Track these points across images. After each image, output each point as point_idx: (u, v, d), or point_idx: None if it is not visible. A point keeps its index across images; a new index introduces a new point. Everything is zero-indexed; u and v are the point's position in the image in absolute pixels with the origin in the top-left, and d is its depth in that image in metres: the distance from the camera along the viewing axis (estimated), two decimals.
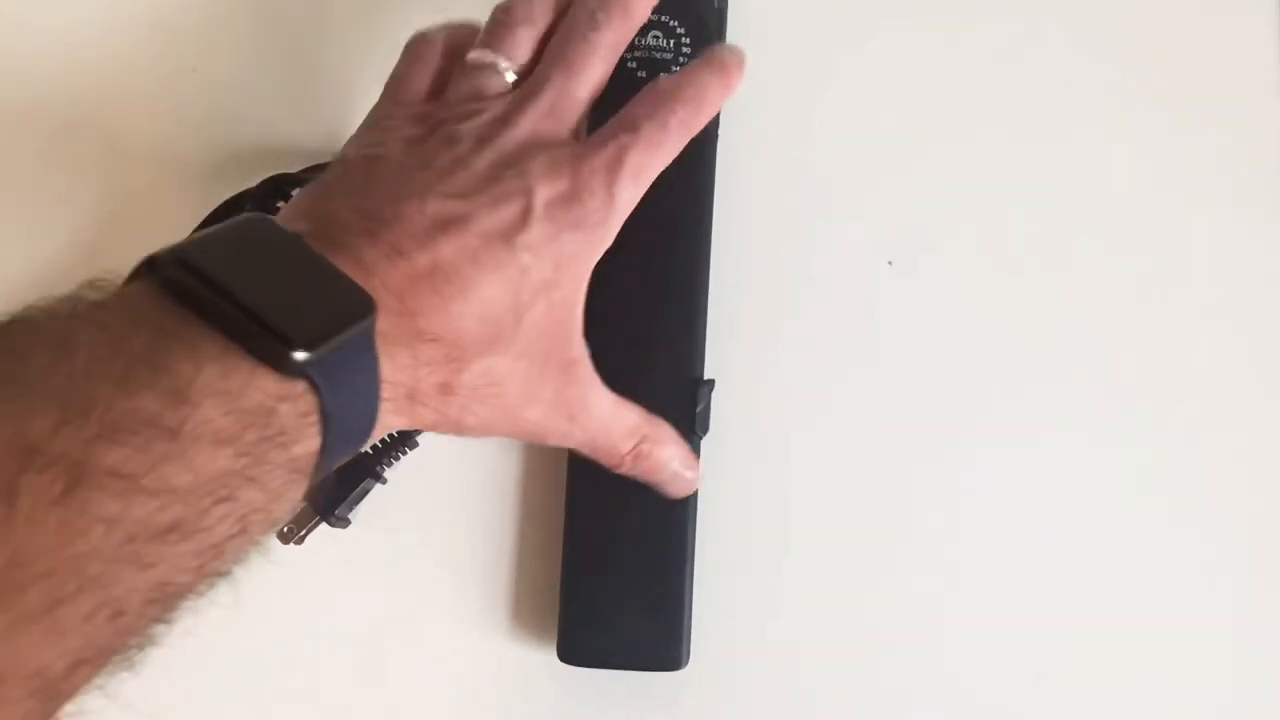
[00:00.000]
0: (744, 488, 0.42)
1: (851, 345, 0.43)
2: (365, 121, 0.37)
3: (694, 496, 0.41)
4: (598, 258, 0.35)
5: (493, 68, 0.36)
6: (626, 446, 0.37)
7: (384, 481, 0.42)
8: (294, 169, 0.43)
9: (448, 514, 0.43)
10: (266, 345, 0.26)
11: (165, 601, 0.26)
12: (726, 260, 0.42)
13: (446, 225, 0.32)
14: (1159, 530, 0.42)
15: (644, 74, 0.41)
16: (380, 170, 0.34)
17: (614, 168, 0.34)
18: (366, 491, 0.42)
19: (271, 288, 0.27)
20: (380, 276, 0.30)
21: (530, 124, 0.35)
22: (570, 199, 0.34)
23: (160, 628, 0.26)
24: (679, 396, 0.40)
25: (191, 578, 0.26)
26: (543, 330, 0.34)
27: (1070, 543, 0.42)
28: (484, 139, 0.34)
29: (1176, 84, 0.44)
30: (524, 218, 0.33)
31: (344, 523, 0.42)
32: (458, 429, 0.34)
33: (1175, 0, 0.44)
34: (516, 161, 0.34)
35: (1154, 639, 0.41)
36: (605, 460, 0.37)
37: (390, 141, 0.35)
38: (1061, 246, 0.43)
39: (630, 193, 0.35)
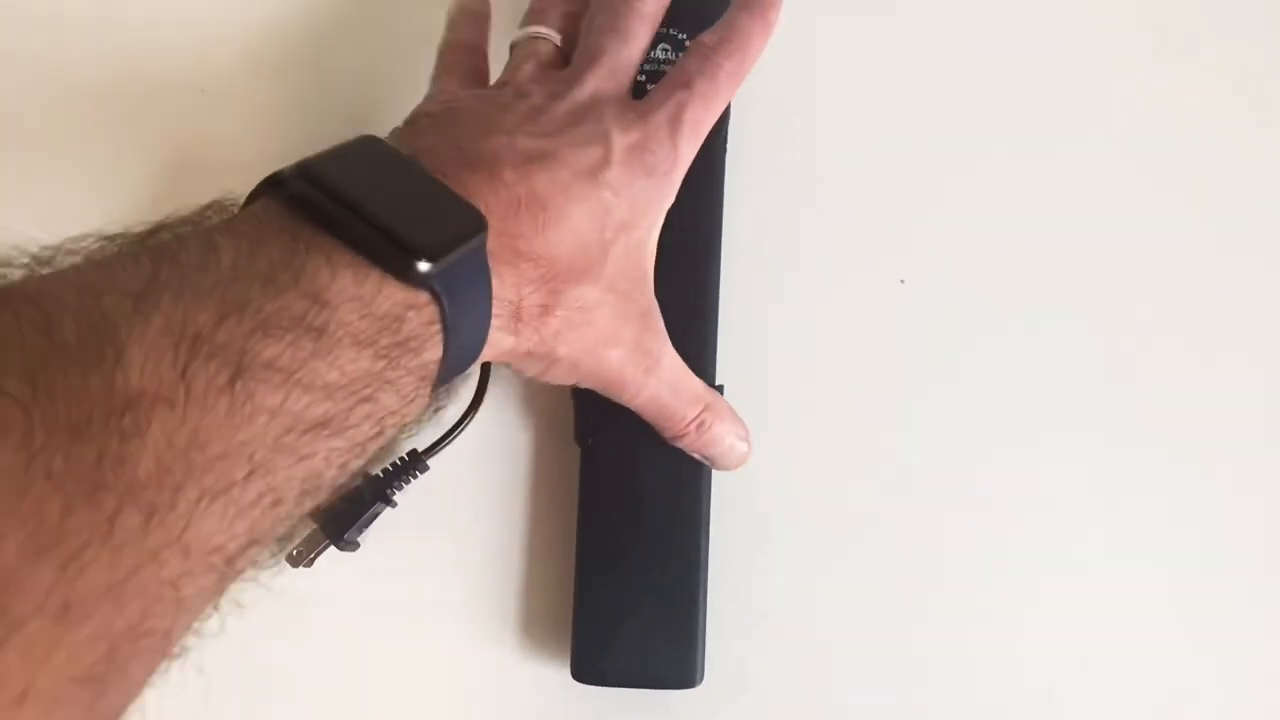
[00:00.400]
0: (757, 505, 0.42)
1: (864, 363, 0.43)
2: (426, 97, 0.38)
3: (707, 513, 0.41)
4: (666, 208, 0.37)
5: (543, 38, 0.39)
6: (692, 413, 0.38)
7: (394, 505, 0.42)
8: None
9: (458, 533, 0.43)
10: (394, 256, 0.28)
11: (314, 494, 0.27)
12: (738, 278, 0.42)
13: (538, 159, 0.34)
14: (1171, 541, 0.42)
15: (652, 87, 0.39)
16: (464, 115, 0.35)
17: (675, 123, 0.36)
18: (376, 515, 0.42)
19: (393, 202, 0.29)
20: (483, 200, 0.31)
21: (594, 83, 0.37)
22: (641, 148, 0.36)
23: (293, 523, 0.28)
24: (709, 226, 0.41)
25: (336, 473, 0.27)
26: (623, 268, 0.36)
27: (1098, 558, 0.42)
28: (555, 94, 0.36)
29: (1201, 96, 0.43)
30: (605, 159, 0.35)
31: (353, 546, 0.42)
32: (550, 358, 0.35)
33: (1196, 15, 0.44)
34: (590, 110, 0.36)
35: (1167, 646, 0.42)
36: (668, 426, 0.38)
37: (462, 96, 0.37)
38: (1076, 263, 0.43)
39: (690, 145, 0.37)
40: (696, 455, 0.40)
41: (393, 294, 0.28)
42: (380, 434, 0.28)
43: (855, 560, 0.42)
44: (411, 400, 0.29)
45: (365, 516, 0.41)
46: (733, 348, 0.42)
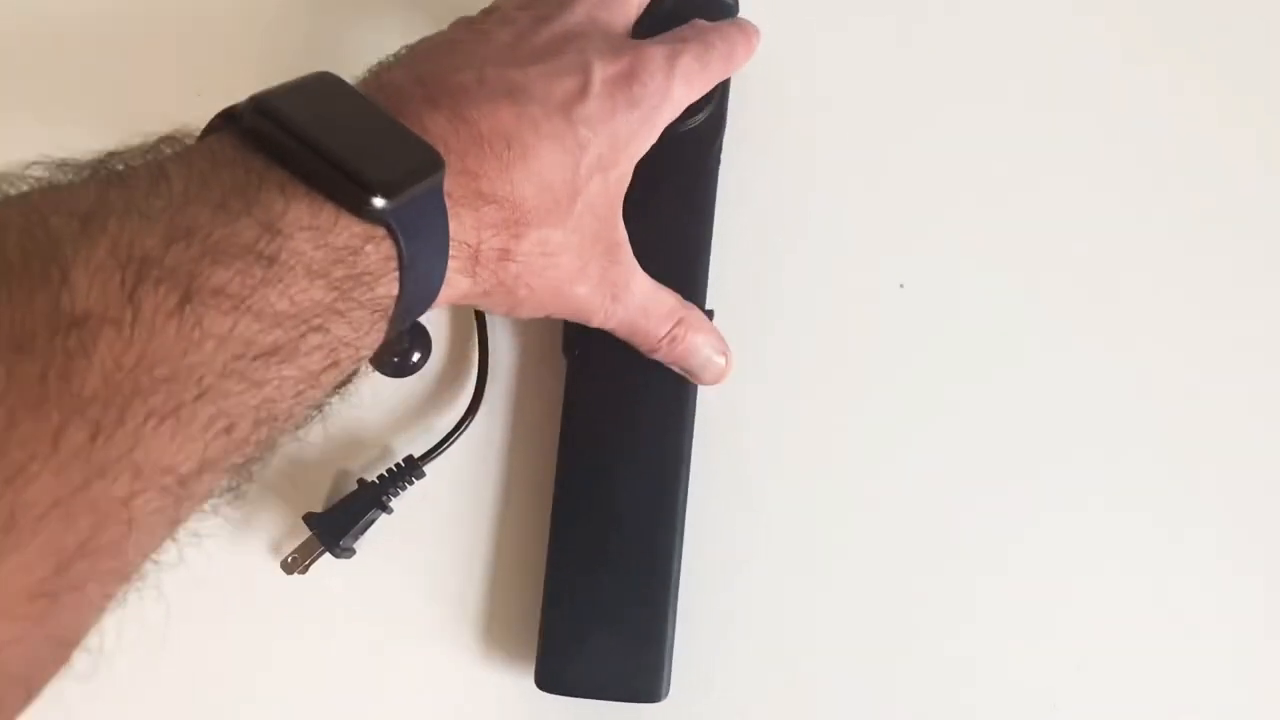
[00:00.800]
0: (730, 518, 0.42)
1: (861, 369, 0.43)
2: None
3: (679, 527, 0.41)
4: (650, 144, 0.36)
5: None
6: (664, 329, 0.39)
7: (390, 511, 0.42)
8: None
9: (426, 538, 0.43)
10: (350, 191, 0.28)
11: (271, 424, 0.27)
12: (735, 282, 0.43)
13: (506, 94, 0.33)
14: (1174, 548, 0.42)
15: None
16: (438, 48, 0.35)
17: (672, 60, 0.36)
18: (372, 522, 0.42)
19: (350, 139, 0.28)
20: (443, 139, 0.31)
21: (586, 10, 0.37)
22: (629, 78, 0.35)
23: (265, 454, 0.28)
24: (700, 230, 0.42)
25: (292, 403, 0.27)
26: (596, 208, 0.35)
27: (1098, 565, 0.42)
28: (542, 19, 0.36)
29: (1210, 100, 0.44)
30: (582, 91, 0.34)
31: (349, 553, 0.42)
32: (512, 300, 0.35)
33: (1201, 18, 0.45)
34: (575, 39, 0.35)
35: (1170, 655, 0.41)
36: (642, 343, 0.39)
37: (452, 28, 0.37)
38: (1077, 267, 0.43)
39: (683, 89, 0.37)
40: (675, 369, 0.40)
41: (349, 227, 0.28)
42: (335, 365, 0.28)
43: (828, 576, 0.42)
44: (366, 333, 0.29)
45: (361, 523, 0.42)
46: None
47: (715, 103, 0.41)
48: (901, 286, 0.43)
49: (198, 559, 0.41)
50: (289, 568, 0.42)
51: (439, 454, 0.42)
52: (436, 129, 0.31)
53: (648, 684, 0.40)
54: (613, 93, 0.35)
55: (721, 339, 0.40)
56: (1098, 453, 0.42)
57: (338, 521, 0.42)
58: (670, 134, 0.41)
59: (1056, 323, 0.43)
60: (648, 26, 0.40)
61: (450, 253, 0.31)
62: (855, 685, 0.42)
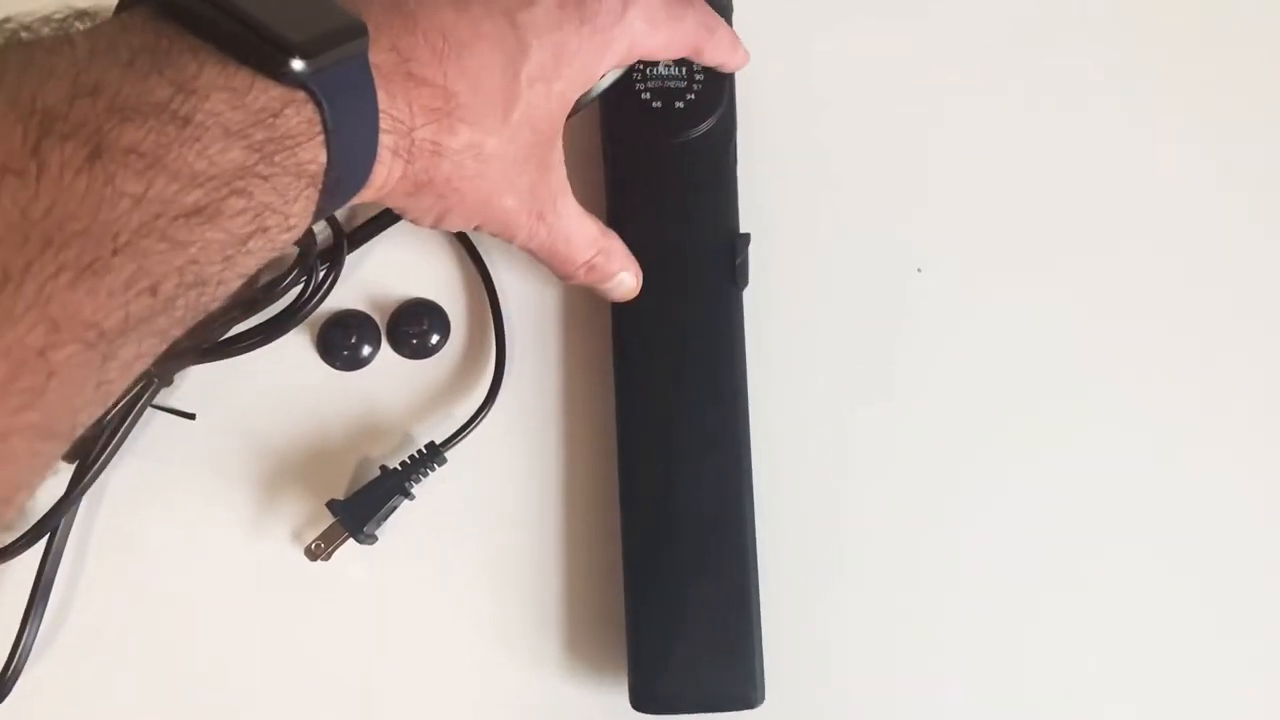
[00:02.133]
0: (797, 512, 0.43)
1: (883, 354, 0.44)
2: None
3: (752, 528, 0.41)
4: (599, 69, 0.36)
5: None
6: (585, 256, 0.39)
7: (412, 498, 0.43)
8: None
9: (480, 530, 0.43)
10: (266, 53, 0.27)
11: (199, 289, 0.26)
12: (755, 271, 0.43)
13: None
14: (1199, 539, 0.43)
15: (659, 104, 0.42)
16: None
17: None
18: (394, 508, 0.43)
19: (266, 4, 0.28)
20: (375, 21, 0.30)
21: None
22: None
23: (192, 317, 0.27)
24: (719, 249, 0.42)
25: (220, 268, 0.27)
26: (533, 121, 0.34)
27: (1133, 552, 0.42)
28: None
29: (1223, 88, 0.45)
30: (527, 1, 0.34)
31: (371, 539, 0.43)
32: (441, 205, 0.34)
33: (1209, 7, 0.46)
34: None
35: (1195, 660, 0.42)
36: (560, 268, 0.39)
37: None
38: (1090, 252, 0.44)
39: (643, 26, 0.36)
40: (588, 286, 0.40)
41: (266, 89, 0.27)
42: (263, 232, 0.28)
43: (901, 567, 0.42)
44: (295, 200, 0.28)
45: (384, 510, 0.43)
46: (753, 344, 0.42)
47: (724, 106, 0.42)
48: (919, 271, 0.44)
49: (222, 545, 0.43)
50: (313, 554, 0.42)
51: (460, 439, 0.43)
52: (371, 15, 0.31)
53: (743, 692, 0.39)
54: (564, 4, 0.34)
55: (634, 262, 0.40)
56: (1127, 430, 0.43)
57: (361, 508, 0.42)
58: (683, 141, 0.42)
59: (1074, 307, 0.44)
60: None
61: (382, 126, 0.30)
62: (948, 683, 0.42)
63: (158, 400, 0.43)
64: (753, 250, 0.42)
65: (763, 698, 0.40)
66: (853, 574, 0.43)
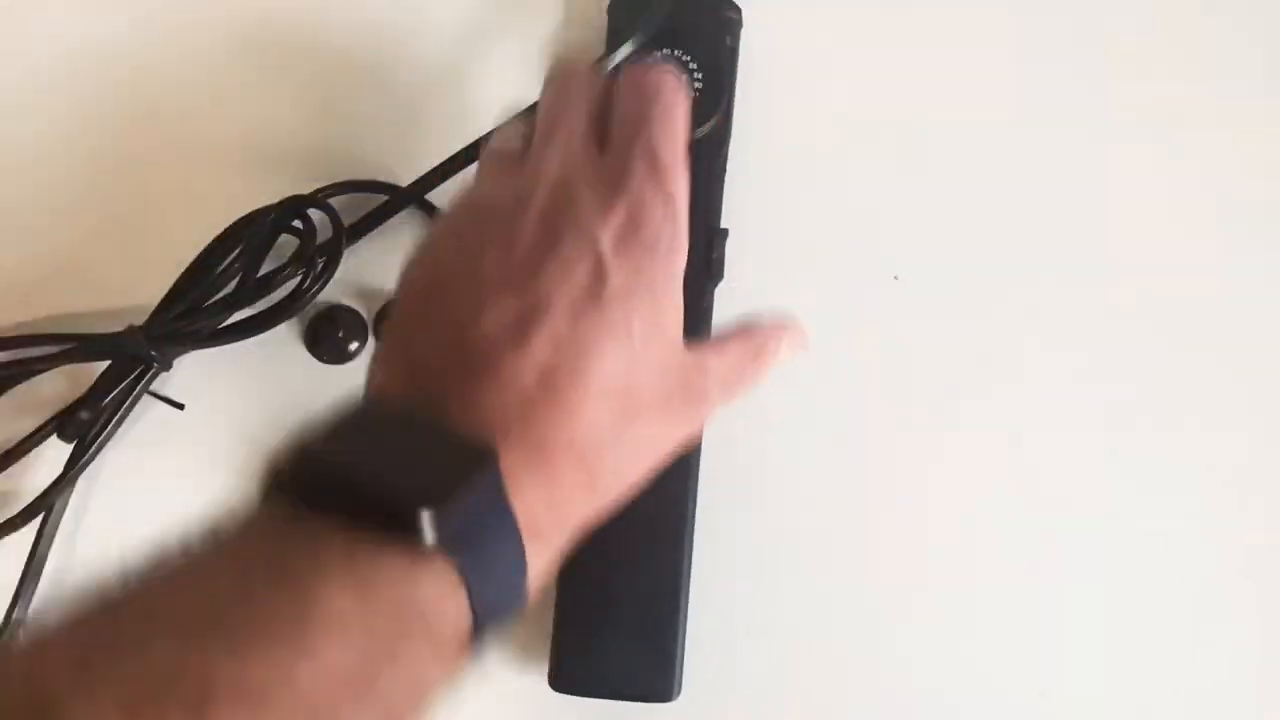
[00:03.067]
0: (741, 515, 0.42)
1: (857, 361, 0.43)
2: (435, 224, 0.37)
3: (689, 524, 0.41)
4: (683, 263, 0.33)
5: (499, 129, 0.38)
6: (755, 371, 0.35)
7: None
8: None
9: None
10: (392, 524, 0.26)
11: None
12: (732, 276, 0.42)
13: (528, 322, 0.30)
14: (1170, 542, 0.42)
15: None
16: (439, 291, 0.32)
17: (654, 165, 0.33)
18: None
19: (383, 465, 0.27)
20: (491, 411, 0.29)
21: (555, 156, 0.33)
22: (634, 224, 0.32)
23: None
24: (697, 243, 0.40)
25: None
26: (665, 367, 0.32)
27: (1099, 558, 0.42)
28: (519, 195, 0.33)
29: (1194, 101, 0.44)
30: (599, 272, 0.31)
31: None
32: (615, 503, 0.32)
33: (1188, 21, 0.45)
34: (562, 209, 0.32)
35: (1162, 647, 0.42)
36: (752, 386, 0.35)
37: (437, 246, 0.34)
38: (1069, 260, 0.43)
39: (681, 181, 0.33)
40: None
41: (394, 565, 0.25)
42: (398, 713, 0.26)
43: (840, 571, 0.42)
44: (431, 684, 0.27)
45: None
46: None
47: (722, 110, 0.42)
48: (896, 278, 0.44)
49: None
50: None
51: None
52: (481, 401, 0.29)
53: (660, 683, 0.40)
54: (627, 250, 0.31)
55: (784, 325, 0.36)
56: (1099, 441, 0.42)
57: None
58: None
59: (1052, 315, 0.43)
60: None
61: (524, 534, 0.28)
62: (865, 682, 0.42)
63: (152, 387, 0.44)
64: (733, 250, 0.42)
65: (679, 692, 0.40)
66: (788, 579, 0.42)
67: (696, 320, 0.41)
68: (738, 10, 0.43)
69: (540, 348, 0.30)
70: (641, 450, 0.32)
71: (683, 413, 0.33)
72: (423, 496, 0.26)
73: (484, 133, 0.41)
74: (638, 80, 0.35)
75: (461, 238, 0.33)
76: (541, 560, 0.30)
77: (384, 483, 0.26)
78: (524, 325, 0.30)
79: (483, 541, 0.27)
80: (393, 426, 0.29)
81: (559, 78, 0.37)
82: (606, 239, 0.32)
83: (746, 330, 0.36)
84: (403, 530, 0.26)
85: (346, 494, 0.26)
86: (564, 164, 0.33)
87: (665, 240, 0.32)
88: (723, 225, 0.42)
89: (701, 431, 0.36)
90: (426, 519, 0.25)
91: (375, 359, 0.33)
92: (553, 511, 0.30)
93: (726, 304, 0.42)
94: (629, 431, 0.31)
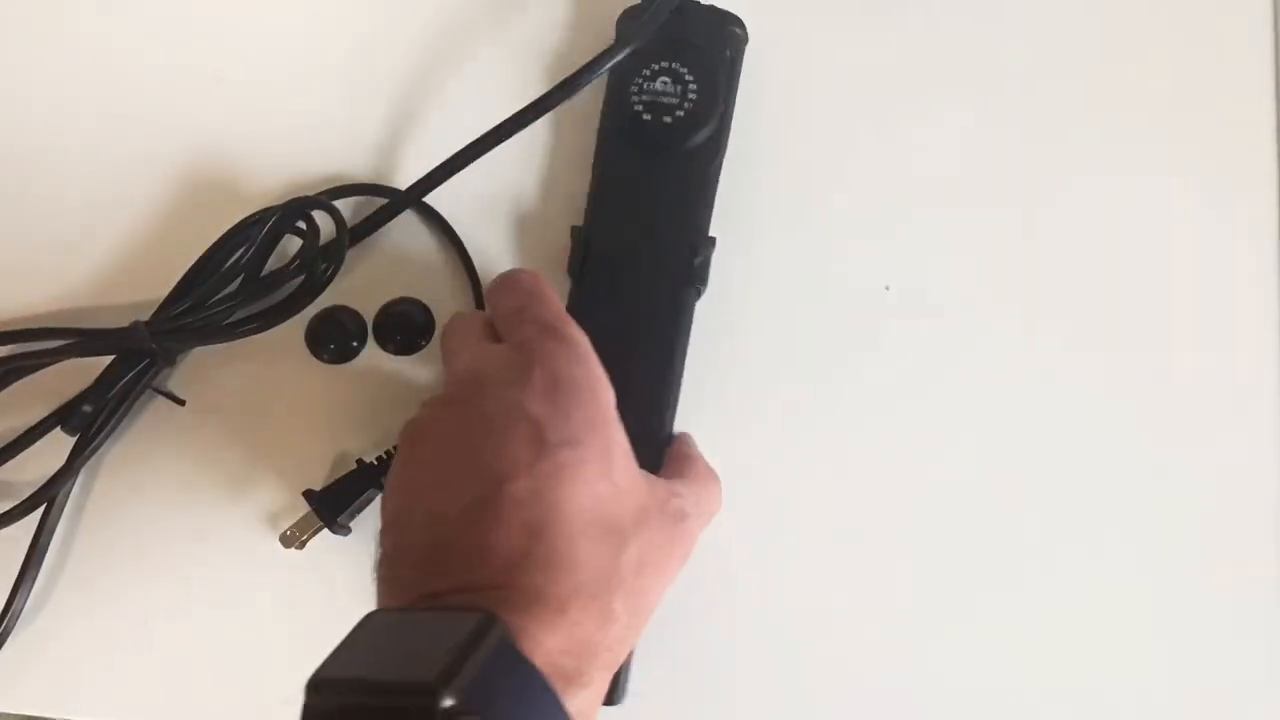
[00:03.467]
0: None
1: (847, 372, 0.44)
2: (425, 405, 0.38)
3: None
4: (611, 396, 0.36)
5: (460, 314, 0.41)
6: (716, 488, 0.41)
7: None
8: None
9: None
10: (422, 714, 0.27)
11: None
12: (725, 287, 0.43)
13: (492, 497, 0.33)
14: (1156, 548, 0.43)
15: (649, 116, 0.43)
16: (408, 509, 0.35)
17: (544, 327, 0.37)
18: (370, 501, 0.43)
19: (391, 662, 0.29)
20: (488, 581, 0.32)
21: (463, 362, 0.37)
22: (549, 378, 0.35)
23: None
24: (677, 251, 0.42)
25: None
26: (634, 491, 0.35)
27: (1082, 565, 0.42)
28: (446, 401, 0.37)
29: (1195, 101, 0.45)
30: (535, 432, 0.34)
31: (345, 530, 0.43)
32: (637, 634, 0.35)
33: (1173, 51, 0.46)
34: (486, 395, 0.35)
35: (1145, 653, 0.42)
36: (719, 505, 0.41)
37: (405, 477, 0.36)
38: (1060, 270, 0.44)
39: (573, 327, 0.37)
40: None
41: None
42: None
43: (796, 574, 0.42)
44: None
45: (358, 502, 0.43)
46: (715, 354, 0.43)
47: (719, 118, 0.43)
48: (887, 289, 0.44)
49: (202, 527, 0.44)
50: (287, 541, 0.43)
51: None
52: (478, 574, 0.32)
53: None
54: (553, 401, 0.34)
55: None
56: (1087, 452, 0.43)
57: (336, 500, 0.43)
58: (669, 153, 0.43)
59: (1044, 324, 0.44)
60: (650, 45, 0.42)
61: (548, 676, 0.30)
62: (812, 689, 0.42)
63: (155, 381, 0.45)
64: (723, 258, 0.42)
65: (623, 697, 0.40)
66: (741, 586, 0.42)
67: (676, 330, 0.42)
68: (742, 26, 0.45)
69: (512, 512, 0.32)
70: (645, 575, 0.34)
71: (670, 533, 0.36)
72: (440, 678, 0.27)
73: (483, 134, 0.42)
74: (501, 283, 0.40)
75: (416, 461, 0.36)
76: (581, 699, 0.31)
77: (396, 677, 0.28)
78: (489, 500, 0.33)
79: (506, 700, 0.28)
80: (396, 628, 0.31)
81: (449, 324, 0.41)
82: (530, 400, 0.34)
83: (688, 455, 0.41)
84: (428, 714, 0.27)
85: (364, 695, 0.28)
86: (470, 360, 0.37)
87: (582, 380, 0.35)
88: (710, 234, 0.43)
89: (692, 549, 0.38)
90: (442, 695, 0.27)
91: (376, 583, 0.35)
92: (577, 652, 0.32)
93: (720, 316, 0.43)
94: (624, 558, 0.33)
